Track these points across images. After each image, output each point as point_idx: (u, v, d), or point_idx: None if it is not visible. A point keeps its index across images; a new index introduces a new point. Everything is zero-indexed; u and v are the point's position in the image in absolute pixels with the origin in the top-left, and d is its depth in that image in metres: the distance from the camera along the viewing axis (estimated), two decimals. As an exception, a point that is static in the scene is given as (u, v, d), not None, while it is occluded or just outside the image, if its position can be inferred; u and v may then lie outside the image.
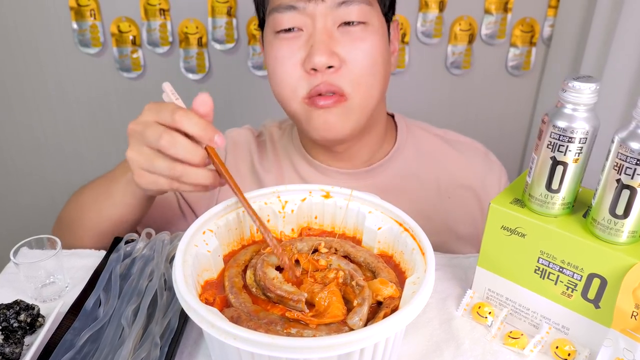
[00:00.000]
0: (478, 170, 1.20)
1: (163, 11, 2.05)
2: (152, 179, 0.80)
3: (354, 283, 0.70)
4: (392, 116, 1.22)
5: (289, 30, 0.98)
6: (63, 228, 1.08)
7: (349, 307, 0.68)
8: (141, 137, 0.78)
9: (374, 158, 1.15)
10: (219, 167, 0.77)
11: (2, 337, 0.74)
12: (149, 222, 1.13)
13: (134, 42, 2.10)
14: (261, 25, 1.08)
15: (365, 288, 0.69)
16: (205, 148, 0.77)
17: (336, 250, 0.79)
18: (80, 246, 1.02)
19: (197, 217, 1.12)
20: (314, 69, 0.96)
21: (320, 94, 0.98)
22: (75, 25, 2.05)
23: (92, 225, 1.01)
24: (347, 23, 0.97)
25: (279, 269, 0.75)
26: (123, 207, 0.97)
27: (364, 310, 0.65)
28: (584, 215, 0.74)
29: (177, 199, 1.15)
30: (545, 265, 0.75)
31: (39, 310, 0.81)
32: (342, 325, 0.64)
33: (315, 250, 0.79)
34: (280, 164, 1.18)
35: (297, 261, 0.77)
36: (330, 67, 0.96)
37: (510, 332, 0.80)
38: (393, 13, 1.09)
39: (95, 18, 2.04)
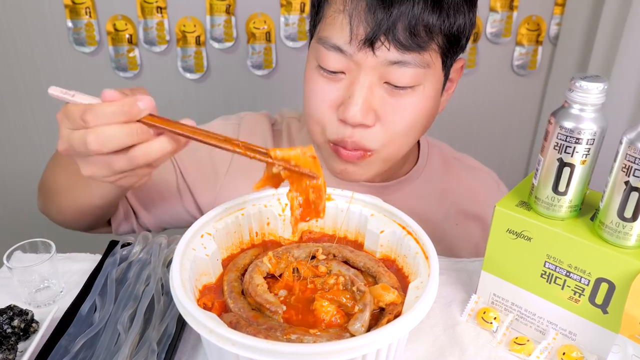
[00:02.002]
0: (489, 201, 1.19)
1: (160, 9, 2.06)
2: (127, 177, 0.74)
3: (354, 289, 0.70)
4: None
5: (331, 71, 0.93)
6: (46, 198, 1.07)
7: (349, 312, 0.68)
8: (76, 152, 0.70)
9: (392, 176, 1.15)
10: (166, 129, 0.69)
11: (-5, 343, 0.74)
12: (144, 197, 1.12)
13: (130, 41, 2.10)
14: (312, 26, 1.01)
15: (367, 293, 0.69)
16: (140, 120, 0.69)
17: (334, 255, 0.79)
18: (59, 219, 1.04)
19: (193, 198, 1.13)
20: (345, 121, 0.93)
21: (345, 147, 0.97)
22: (70, 24, 2.05)
23: (75, 207, 0.99)
24: (396, 86, 0.92)
25: (274, 276, 0.75)
26: (106, 196, 0.93)
27: (366, 316, 0.65)
28: (592, 219, 0.74)
29: (176, 178, 1.13)
30: (552, 270, 0.75)
31: (33, 315, 0.81)
32: (343, 332, 0.64)
33: (314, 257, 0.79)
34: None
35: (295, 269, 0.77)
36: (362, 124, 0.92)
37: (516, 338, 0.80)
38: (462, 51, 1.01)
39: (90, 16, 2.05)
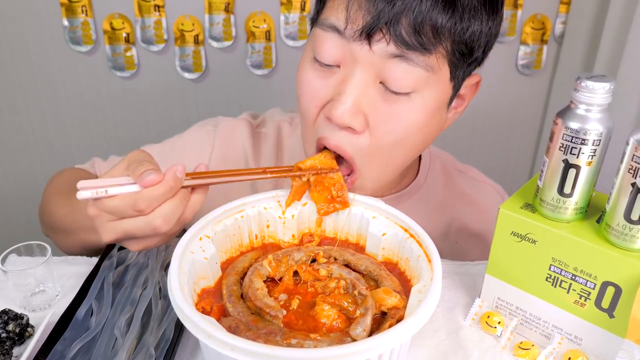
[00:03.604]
0: (491, 217, 1.15)
1: (158, 7, 2.06)
2: (154, 240, 0.78)
3: (356, 292, 0.71)
4: None
5: (326, 64, 0.87)
6: (51, 233, 1.09)
7: (350, 317, 0.68)
8: (131, 237, 0.76)
9: (390, 190, 1.10)
10: (205, 183, 0.78)
11: (-10, 347, 0.74)
12: None
13: (127, 40, 2.10)
14: (314, 14, 0.95)
15: (368, 297, 0.69)
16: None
17: (335, 259, 0.79)
18: (67, 252, 1.04)
19: None
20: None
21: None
22: (66, 22, 2.05)
23: (80, 246, 1.02)
24: (392, 90, 0.84)
25: (274, 280, 0.76)
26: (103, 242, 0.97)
27: (367, 320, 0.65)
28: (598, 221, 0.74)
29: None
30: (557, 273, 0.75)
31: (28, 319, 0.81)
32: (344, 336, 0.64)
33: (314, 260, 0.79)
34: (282, 164, 1.14)
35: (296, 272, 0.77)
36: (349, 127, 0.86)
37: (521, 342, 0.80)
38: (478, 65, 0.93)
39: (86, 15, 2.05)
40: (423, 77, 0.83)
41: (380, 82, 0.84)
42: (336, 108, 0.84)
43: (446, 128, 0.98)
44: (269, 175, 0.81)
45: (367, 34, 0.80)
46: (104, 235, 0.75)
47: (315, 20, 0.91)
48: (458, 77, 0.88)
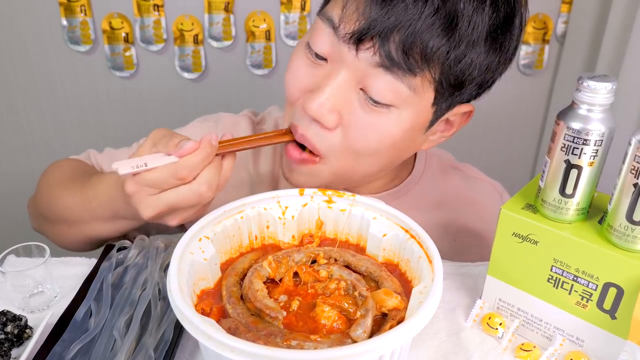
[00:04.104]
0: (490, 215, 1.11)
1: (157, 7, 2.06)
2: (197, 210, 0.83)
3: (356, 294, 0.71)
4: None
5: (316, 55, 0.87)
6: (48, 225, 1.08)
7: (351, 318, 0.68)
8: (174, 209, 0.81)
9: (383, 188, 1.10)
10: (234, 150, 0.83)
11: (-12, 349, 0.74)
12: None
13: (126, 40, 2.10)
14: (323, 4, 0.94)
15: (369, 298, 0.69)
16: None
17: (336, 260, 0.79)
18: (57, 243, 1.06)
19: None
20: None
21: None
22: (64, 22, 2.05)
23: (81, 238, 1.02)
24: (372, 99, 0.83)
25: (274, 281, 0.76)
26: (123, 230, 0.98)
27: (368, 321, 0.65)
28: (600, 222, 0.74)
29: None
30: (559, 274, 0.75)
31: (26, 321, 0.81)
32: (344, 338, 0.64)
33: (315, 261, 0.79)
34: (279, 161, 1.14)
35: (296, 273, 0.77)
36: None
37: (522, 344, 0.80)
38: (470, 98, 0.91)
39: (85, 14, 2.05)
40: (404, 95, 0.82)
41: (361, 89, 0.84)
42: (312, 101, 0.84)
43: (428, 149, 0.99)
44: (287, 138, 0.89)
45: (357, 39, 0.80)
46: (145, 211, 0.79)
47: (321, 10, 0.91)
48: (441, 104, 0.87)
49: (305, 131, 0.88)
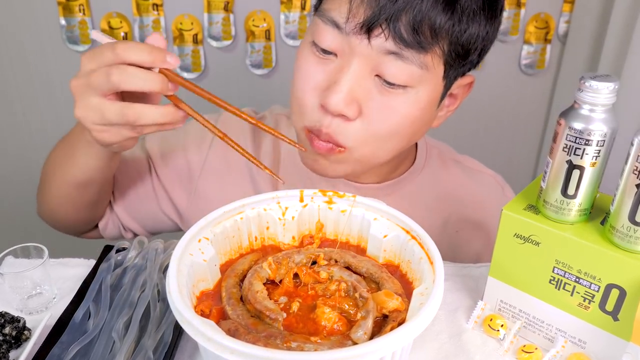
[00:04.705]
0: (492, 207, 1.14)
1: (156, 6, 2.06)
2: (110, 132, 0.80)
3: (357, 295, 0.71)
4: None
5: (323, 50, 0.89)
6: (40, 191, 1.10)
7: (351, 320, 0.68)
8: (87, 88, 0.78)
9: (386, 178, 1.12)
10: (184, 84, 0.81)
11: (-14, 351, 0.74)
12: (122, 197, 1.14)
13: (125, 39, 2.10)
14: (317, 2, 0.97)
15: (369, 300, 0.69)
16: (161, 72, 0.79)
17: (336, 261, 0.79)
18: (51, 213, 1.08)
19: (169, 198, 1.14)
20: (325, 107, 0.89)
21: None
22: (63, 21, 2.06)
23: (59, 192, 1.03)
24: (388, 82, 0.87)
25: (274, 282, 0.76)
26: (88, 170, 0.97)
27: (368, 323, 0.65)
28: (602, 223, 0.74)
29: (151, 178, 1.14)
30: (561, 275, 0.75)
31: (24, 322, 0.81)
32: (345, 339, 0.64)
33: (315, 262, 0.80)
34: (280, 158, 1.15)
35: (296, 274, 0.77)
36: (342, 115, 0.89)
37: (524, 346, 0.80)
38: (473, 67, 0.96)
39: (84, 14, 2.05)
40: (417, 74, 0.86)
41: (377, 75, 0.87)
42: (332, 96, 0.87)
43: (438, 126, 1.02)
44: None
45: (367, 29, 0.83)
46: (73, 79, 0.82)
47: (317, 8, 0.93)
48: (450, 77, 0.92)
49: (329, 129, 0.91)
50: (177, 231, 1.20)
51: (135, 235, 1.17)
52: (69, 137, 1.03)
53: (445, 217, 1.15)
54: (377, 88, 0.88)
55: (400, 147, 0.98)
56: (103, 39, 0.82)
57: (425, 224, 1.12)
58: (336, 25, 0.86)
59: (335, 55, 0.89)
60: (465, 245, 1.15)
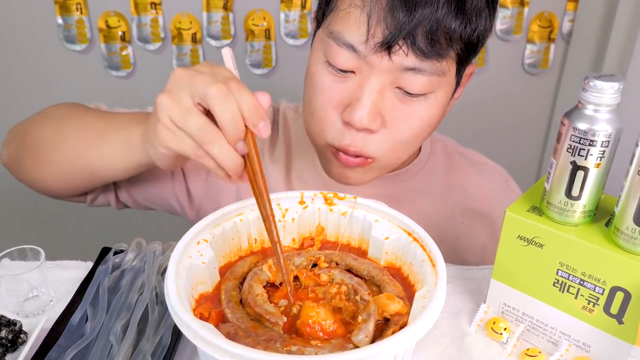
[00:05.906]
0: (497, 198, 1.19)
1: (154, 5, 2.06)
2: (175, 135, 0.73)
3: (358, 298, 0.71)
4: None
5: (340, 70, 0.91)
6: (25, 146, 1.06)
7: (351, 322, 0.68)
8: (188, 83, 0.73)
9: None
10: (253, 157, 0.72)
11: (-18, 354, 0.74)
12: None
13: (123, 38, 2.11)
14: (320, 15, 0.98)
15: (371, 303, 0.69)
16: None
17: (337, 263, 0.79)
18: (33, 177, 1.04)
19: (186, 183, 1.12)
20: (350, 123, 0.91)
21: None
22: (60, 20, 2.06)
23: (59, 168, 0.99)
24: (409, 92, 0.90)
25: (274, 285, 0.76)
26: (112, 167, 0.94)
27: (370, 326, 0.65)
28: (607, 224, 0.74)
29: None
30: (565, 278, 0.75)
31: (21, 326, 0.81)
32: (346, 343, 0.64)
33: (315, 265, 0.79)
34: (290, 151, 1.16)
35: (296, 277, 0.77)
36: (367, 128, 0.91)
37: (528, 349, 0.80)
38: (476, 55, 0.98)
39: (81, 12, 2.05)
40: (435, 82, 0.90)
41: (397, 87, 0.90)
42: (355, 113, 0.89)
43: (445, 115, 1.05)
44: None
45: (387, 47, 0.85)
46: (161, 96, 0.75)
47: (320, 22, 0.95)
48: (461, 72, 0.97)
49: (355, 144, 0.93)
50: (170, 214, 1.20)
51: (126, 206, 1.15)
52: (109, 120, 0.97)
53: (451, 209, 1.17)
54: (398, 98, 0.91)
55: (420, 144, 1.03)
56: (229, 62, 0.79)
57: (430, 216, 1.13)
58: (353, 49, 0.87)
59: (354, 72, 0.91)
60: (471, 236, 1.17)
